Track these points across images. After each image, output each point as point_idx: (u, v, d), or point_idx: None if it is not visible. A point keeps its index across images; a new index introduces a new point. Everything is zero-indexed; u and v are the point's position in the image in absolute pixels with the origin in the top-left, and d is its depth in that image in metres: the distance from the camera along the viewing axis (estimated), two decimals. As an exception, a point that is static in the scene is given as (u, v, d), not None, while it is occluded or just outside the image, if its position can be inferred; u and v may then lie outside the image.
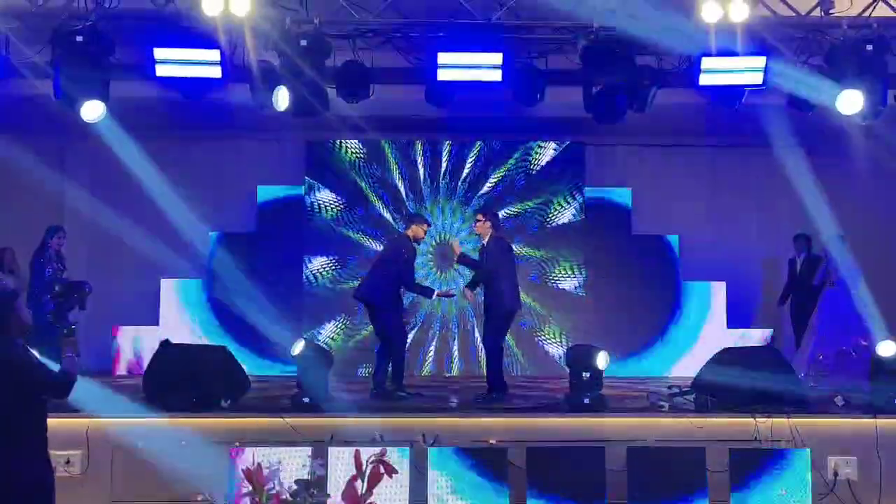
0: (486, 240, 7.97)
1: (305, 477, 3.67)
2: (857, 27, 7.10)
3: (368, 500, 3.52)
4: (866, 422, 6.67)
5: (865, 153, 8.19)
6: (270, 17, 7.04)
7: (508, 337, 8.91)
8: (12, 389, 4.06)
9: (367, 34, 7.41)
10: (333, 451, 5.79)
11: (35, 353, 4.25)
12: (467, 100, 7.70)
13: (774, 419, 6.60)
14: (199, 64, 7.00)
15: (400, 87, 7.86)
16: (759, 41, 7.05)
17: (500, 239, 8.11)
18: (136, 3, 6.94)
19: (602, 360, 7.00)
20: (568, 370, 7.38)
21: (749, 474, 6.07)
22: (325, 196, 10.76)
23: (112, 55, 7.15)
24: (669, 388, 7.83)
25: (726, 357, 7.52)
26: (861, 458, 6.52)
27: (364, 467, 3.41)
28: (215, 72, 7.00)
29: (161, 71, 7.01)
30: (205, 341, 9.71)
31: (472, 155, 10.85)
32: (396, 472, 3.53)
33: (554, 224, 10.86)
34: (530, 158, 10.90)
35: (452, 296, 9.13)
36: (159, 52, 6.92)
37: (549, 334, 10.70)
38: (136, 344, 10.10)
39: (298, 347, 7.17)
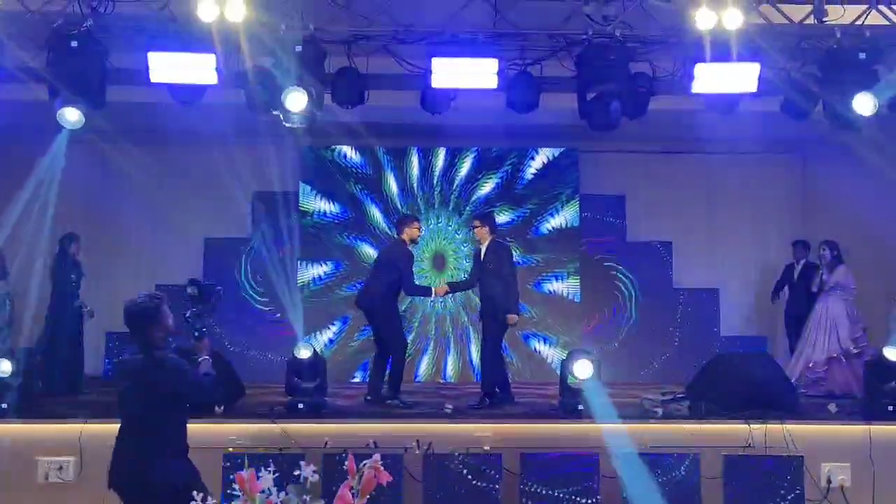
0: (486, 244, 7.97)
1: (298, 483, 3.65)
2: (850, 35, 7.13)
3: (362, 507, 3.50)
4: (860, 428, 6.70)
5: (858, 160, 8.20)
6: (266, 22, 7.03)
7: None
8: (164, 396, 4.25)
9: (361, 40, 7.40)
10: (327, 458, 5.79)
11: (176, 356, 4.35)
12: (462, 106, 7.71)
13: (768, 425, 6.62)
14: (194, 69, 7.00)
15: (395, 93, 7.85)
16: (753, 48, 7.07)
17: (500, 242, 8.11)
18: (131, 7, 6.93)
19: (581, 368, 6.91)
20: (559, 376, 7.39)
21: (743, 480, 6.09)
22: (319, 202, 10.76)
23: (107, 60, 7.14)
24: (663, 394, 7.85)
25: (720, 363, 7.54)
26: (854, 464, 6.55)
27: (357, 473, 3.40)
28: (211, 77, 7.00)
29: (156, 76, 7.01)
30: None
31: (466, 161, 10.88)
32: (390, 478, 3.51)
33: (548, 230, 10.88)
34: (525, 165, 10.92)
35: (451, 292, 9.06)
36: (154, 57, 6.92)
37: (542, 340, 10.71)
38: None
39: (303, 351, 7.18)
